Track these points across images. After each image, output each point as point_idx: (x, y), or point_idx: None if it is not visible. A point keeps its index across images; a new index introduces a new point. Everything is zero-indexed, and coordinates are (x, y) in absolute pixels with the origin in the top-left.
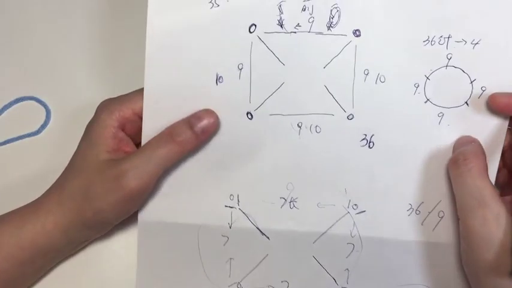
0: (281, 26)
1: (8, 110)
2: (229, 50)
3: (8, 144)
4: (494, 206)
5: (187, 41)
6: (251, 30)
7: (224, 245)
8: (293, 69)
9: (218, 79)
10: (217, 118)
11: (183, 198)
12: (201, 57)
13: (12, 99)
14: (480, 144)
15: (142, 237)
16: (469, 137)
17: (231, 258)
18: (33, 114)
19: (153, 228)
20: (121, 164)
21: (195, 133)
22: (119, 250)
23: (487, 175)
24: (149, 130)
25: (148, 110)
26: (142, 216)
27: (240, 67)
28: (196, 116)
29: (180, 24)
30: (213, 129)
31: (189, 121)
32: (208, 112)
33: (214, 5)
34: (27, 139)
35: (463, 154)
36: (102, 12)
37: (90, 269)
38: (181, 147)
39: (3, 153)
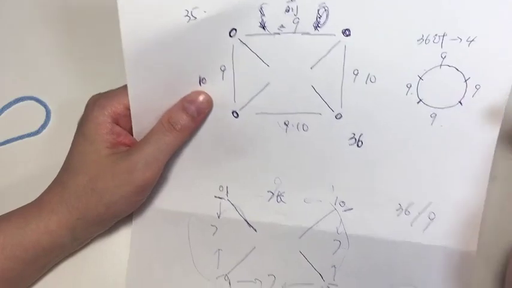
0: (263, 28)
1: (8, 110)
2: (210, 54)
3: (8, 144)
4: None
5: (165, 49)
6: (231, 35)
7: (213, 235)
8: (278, 70)
9: (201, 80)
10: (209, 96)
11: (176, 188)
12: (181, 63)
13: (12, 99)
14: None
15: (137, 224)
16: None
17: (219, 249)
18: (33, 114)
19: (147, 215)
20: (131, 156)
21: (191, 116)
22: (120, 248)
23: None
24: (140, 132)
25: (136, 115)
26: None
27: (222, 68)
28: (188, 100)
29: (157, 35)
30: (207, 108)
31: (183, 106)
32: (199, 93)
33: (191, 18)
34: (27, 139)
35: None
36: (102, 13)
37: (91, 267)
38: (182, 133)
39: (3, 153)
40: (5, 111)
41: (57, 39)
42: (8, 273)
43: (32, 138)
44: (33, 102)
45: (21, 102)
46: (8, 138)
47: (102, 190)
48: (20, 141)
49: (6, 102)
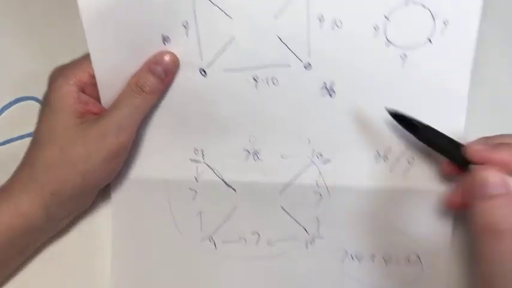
0: None
1: (8, 110)
2: (171, 10)
3: (8, 144)
4: None
5: (124, 9)
6: None
7: (193, 199)
8: (242, 22)
9: (165, 39)
10: (174, 56)
11: (151, 155)
12: (141, 23)
13: (12, 99)
14: None
15: (116, 198)
16: None
17: (201, 212)
18: (33, 114)
19: (126, 186)
20: (102, 122)
21: (159, 78)
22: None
23: None
24: (108, 99)
25: (102, 82)
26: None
27: (185, 25)
28: (154, 61)
29: None
30: (174, 68)
31: (150, 68)
32: (164, 53)
33: None
34: (27, 139)
35: None
36: None
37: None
38: (152, 95)
39: (3, 153)
40: (5, 111)
41: (58, 39)
42: None
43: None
44: (33, 102)
45: (21, 102)
46: (8, 138)
47: (74, 159)
48: (20, 141)
49: (6, 102)
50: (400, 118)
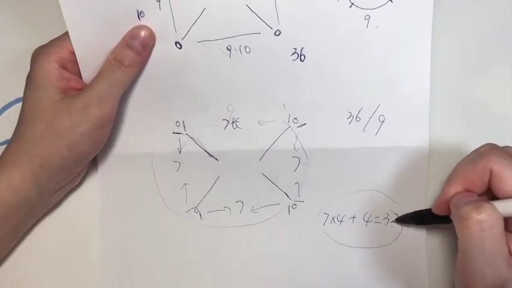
0: None
1: (8, 110)
2: None
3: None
4: None
5: None
6: None
7: (177, 170)
8: None
9: (139, 14)
10: (150, 29)
11: (134, 130)
12: None
13: (12, 99)
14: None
15: (103, 173)
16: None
17: (185, 184)
18: None
19: (112, 160)
20: (84, 94)
21: (137, 52)
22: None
23: None
24: (89, 75)
25: (82, 58)
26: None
27: None
28: (131, 36)
29: None
30: (151, 41)
31: (127, 43)
32: (140, 27)
33: None
34: None
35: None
36: None
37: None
38: (131, 69)
39: None
40: (5, 111)
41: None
42: None
43: None
44: None
45: (21, 103)
46: (8, 138)
47: (60, 131)
48: None
49: (6, 102)
50: (401, 219)
